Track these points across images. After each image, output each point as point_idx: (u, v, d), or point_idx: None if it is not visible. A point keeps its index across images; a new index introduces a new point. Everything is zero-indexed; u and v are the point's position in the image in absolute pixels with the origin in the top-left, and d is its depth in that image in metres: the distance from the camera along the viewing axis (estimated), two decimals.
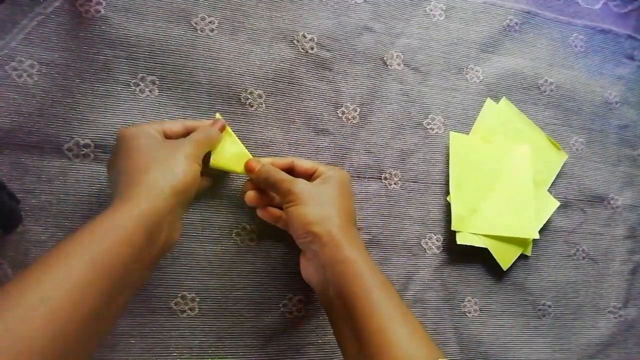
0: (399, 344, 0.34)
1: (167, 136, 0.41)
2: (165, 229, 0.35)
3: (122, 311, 0.32)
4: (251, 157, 0.45)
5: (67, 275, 0.28)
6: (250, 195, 0.45)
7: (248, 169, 0.44)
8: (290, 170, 0.46)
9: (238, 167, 0.45)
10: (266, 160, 0.46)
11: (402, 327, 0.35)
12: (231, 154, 0.44)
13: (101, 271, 0.29)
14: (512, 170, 0.56)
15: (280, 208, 0.46)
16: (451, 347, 0.52)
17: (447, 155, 0.55)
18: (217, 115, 0.44)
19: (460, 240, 0.52)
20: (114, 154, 0.39)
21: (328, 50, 0.51)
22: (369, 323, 0.36)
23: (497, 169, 0.55)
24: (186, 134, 0.42)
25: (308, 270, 0.42)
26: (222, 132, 0.44)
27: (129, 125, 0.45)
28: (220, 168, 0.44)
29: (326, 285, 0.39)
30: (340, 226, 0.40)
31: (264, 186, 0.45)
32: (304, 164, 0.46)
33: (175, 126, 0.42)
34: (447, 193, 0.54)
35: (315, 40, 0.51)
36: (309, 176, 0.45)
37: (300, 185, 0.42)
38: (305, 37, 0.50)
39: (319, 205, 0.41)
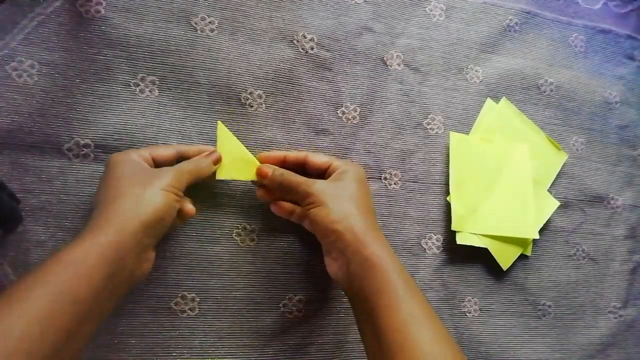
0: (421, 344, 0.33)
1: (158, 162, 0.41)
2: (131, 262, 0.35)
3: (87, 341, 0.32)
4: (257, 162, 0.45)
5: (27, 311, 0.28)
6: (262, 191, 0.45)
7: (261, 175, 0.44)
8: (303, 165, 0.46)
9: (245, 175, 0.44)
10: (279, 154, 0.46)
11: (425, 327, 0.34)
12: (235, 162, 0.44)
13: (61, 306, 0.30)
14: (512, 170, 0.56)
15: (291, 201, 0.46)
16: None
17: (447, 155, 0.55)
18: (219, 124, 0.44)
19: (460, 240, 0.52)
20: (100, 180, 0.39)
21: (328, 51, 0.51)
22: (391, 321, 0.34)
23: (496, 169, 0.55)
24: (179, 159, 0.42)
25: (333, 268, 0.41)
26: (215, 165, 0.43)
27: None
28: (226, 179, 0.44)
29: (351, 282, 0.39)
30: (363, 222, 0.40)
31: (279, 192, 0.44)
32: (317, 159, 0.45)
33: (167, 152, 0.42)
34: (447, 193, 0.54)
35: (315, 40, 0.51)
36: (323, 171, 0.45)
37: (317, 185, 0.42)
38: (305, 37, 0.50)
39: (339, 203, 0.41)
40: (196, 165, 0.41)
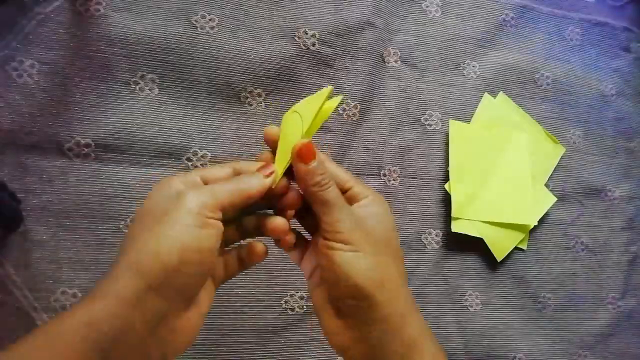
0: None
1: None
2: (140, 336, 0.25)
3: None
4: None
5: None
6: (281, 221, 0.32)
7: (303, 154, 0.29)
8: None
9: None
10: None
11: None
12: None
13: None
14: (511, 157, 0.56)
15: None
16: (454, 340, 0.53)
17: (446, 151, 0.55)
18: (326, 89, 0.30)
19: (456, 228, 0.53)
20: None
21: (329, 47, 0.51)
22: None
23: (495, 157, 0.56)
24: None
25: (343, 337, 0.30)
26: (268, 178, 0.30)
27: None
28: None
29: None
30: (403, 289, 0.30)
31: (305, 192, 0.30)
32: (339, 174, 0.31)
33: (222, 172, 0.30)
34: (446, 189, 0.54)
35: (317, 36, 0.51)
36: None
37: (352, 218, 0.29)
38: (307, 34, 0.51)
39: (375, 254, 0.29)
40: (236, 184, 0.29)
